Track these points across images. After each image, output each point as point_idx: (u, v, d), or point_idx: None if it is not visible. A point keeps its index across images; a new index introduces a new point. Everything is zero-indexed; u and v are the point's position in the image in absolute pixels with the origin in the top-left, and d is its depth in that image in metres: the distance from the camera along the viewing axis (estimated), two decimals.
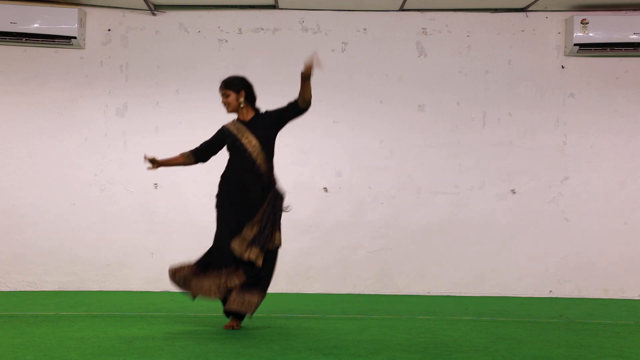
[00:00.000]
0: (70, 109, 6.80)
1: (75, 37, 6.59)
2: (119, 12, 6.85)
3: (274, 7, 6.86)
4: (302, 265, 6.78)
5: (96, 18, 6.82)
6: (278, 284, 6.81)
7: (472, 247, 6.80)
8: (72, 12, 6.56)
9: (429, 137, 6.87)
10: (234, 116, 4.50)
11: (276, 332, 4.18)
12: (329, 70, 6.87)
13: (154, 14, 6.87)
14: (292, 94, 6.77)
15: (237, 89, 4.36)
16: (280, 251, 6.79)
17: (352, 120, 6.87)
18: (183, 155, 4.55)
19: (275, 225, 4.29)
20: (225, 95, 4.38)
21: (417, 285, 6.78)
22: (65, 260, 6.71)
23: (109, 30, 6.85)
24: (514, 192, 6.83)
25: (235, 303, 4.17)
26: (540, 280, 6.78)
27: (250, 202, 4.28)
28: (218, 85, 4.41)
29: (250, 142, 4.31)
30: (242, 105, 4.38)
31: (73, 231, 6.74)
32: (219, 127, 4.54)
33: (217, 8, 6.88)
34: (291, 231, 6.81)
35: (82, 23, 6.68)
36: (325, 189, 6.84)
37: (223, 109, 4.45)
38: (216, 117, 6.78)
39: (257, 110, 4.45)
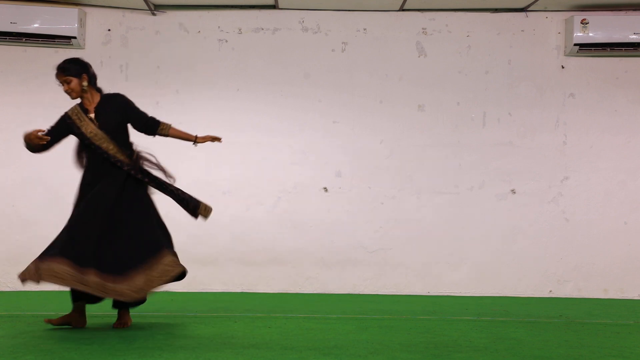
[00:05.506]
0: None
1: (75, 37, 6.59)
2: (119, 12, 6.85)
3: (274, 7, 6.86)
4: (302, 265, 6.78)
5: (96, 18, 6.82)
6: (278, 284, 6.85)
7: (472, 247, 6.80)
8: (72, 12, 6.56)
9: (429, 137, 6.87)
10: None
11: (276, 332, 4.18)
12: (329, 70, 6.90)
13: (154, 14, 6.87)
14: (292, 93, 6.89)
15: (78, 73, 4.20)
16: (280, 251, 6.82)
17: (352, 120, 6.87)
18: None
19: None
20: (66, 83, 4.20)
21: (417, 285, 6.78)
22: None
23: (109, 30, 6.85)
24: (514, 192, 6.82)
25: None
26: (540, 280, 6.78)
27: None
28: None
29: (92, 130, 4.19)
30: (85, 90, 4.22)
31: None
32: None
33: (217, 8, 6.88)
34: (291, 231, 6.84)
35: (82, 23, 6.68)
36: (325, 189, 6.84)
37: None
38: (217, 117, 6.87)
39: (101, 93, 4.28)
